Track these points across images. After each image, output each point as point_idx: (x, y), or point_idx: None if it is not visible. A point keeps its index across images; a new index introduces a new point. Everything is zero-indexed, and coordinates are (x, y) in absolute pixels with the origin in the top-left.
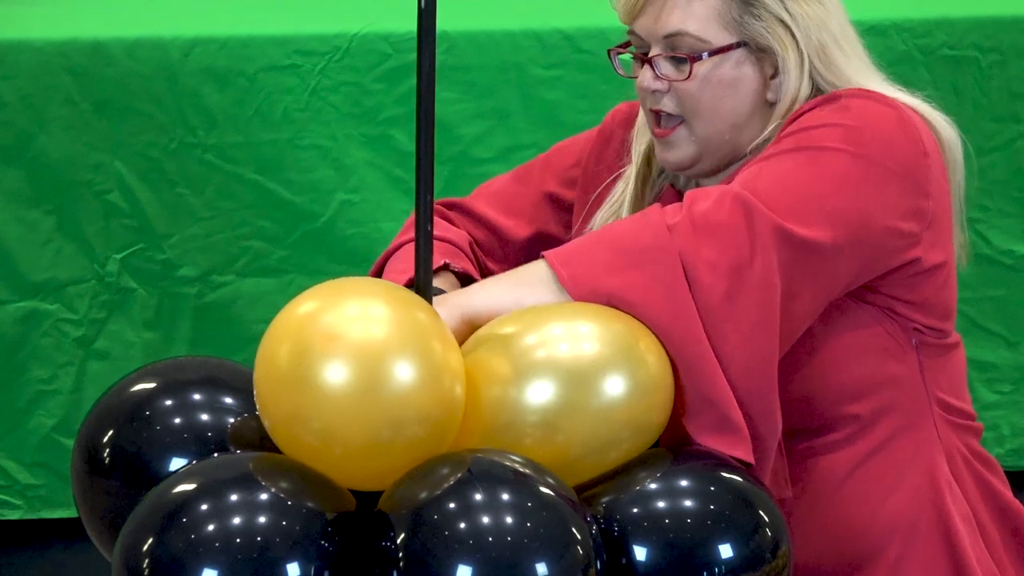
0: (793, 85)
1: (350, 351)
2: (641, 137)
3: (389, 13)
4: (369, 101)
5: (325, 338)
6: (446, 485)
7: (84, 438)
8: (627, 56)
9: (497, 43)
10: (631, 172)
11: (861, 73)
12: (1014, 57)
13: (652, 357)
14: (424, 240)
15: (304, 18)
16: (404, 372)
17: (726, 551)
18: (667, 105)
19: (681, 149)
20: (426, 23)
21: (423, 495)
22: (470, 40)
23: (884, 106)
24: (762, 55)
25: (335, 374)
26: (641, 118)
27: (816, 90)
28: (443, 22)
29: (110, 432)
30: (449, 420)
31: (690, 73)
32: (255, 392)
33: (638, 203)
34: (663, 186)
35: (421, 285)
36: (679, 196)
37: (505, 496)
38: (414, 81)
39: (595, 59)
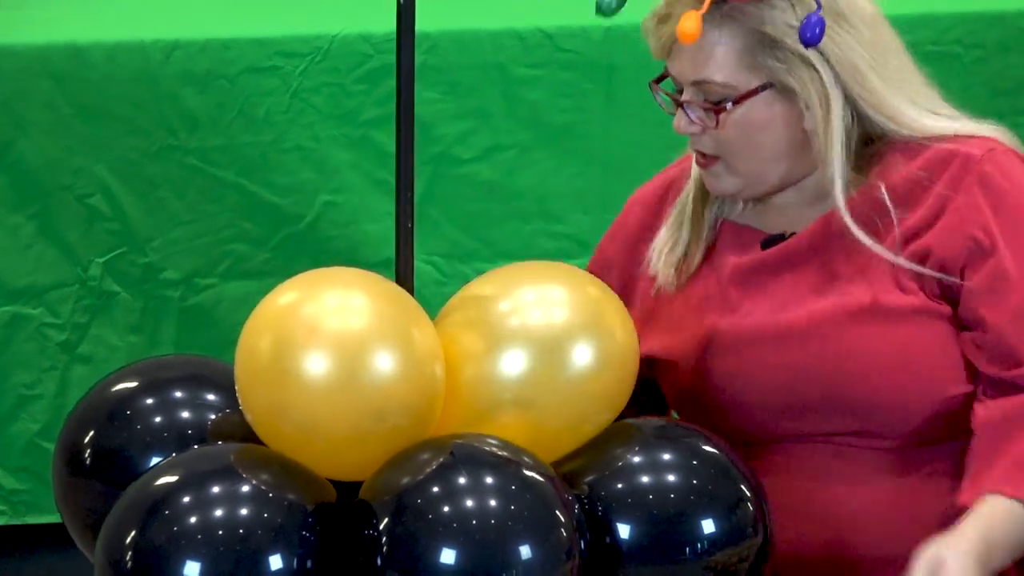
0: (820, 119)
1: (330, 342)
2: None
3: (369, 14)
4: (350, 102)
5: (305, 329)
6: (428, 470)
7: (65, 439)
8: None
9: (479, 42)
10: (688, 190)
11: (908, 96)
12: (997, 53)
13: (619, 328)
14: (404, 238)
15: (284, 20)
16: (384, 362)
17: (709, 526)
18: (705, 145)
19: (724, 180)
20: (405, 22)
21: (404, 481)
22: (452, 40)
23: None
24: (790, 92)
25: (315, 365)
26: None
27: (859, 116)
28: (424, 22)
29: (91, 432)
30: (430, 407)
31: (717, 122)
32: (236, 384)
33: (697, 220)
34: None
35: (401, 280)
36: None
37: (488, 479)
38: (395, 81)
39: (577, 58)
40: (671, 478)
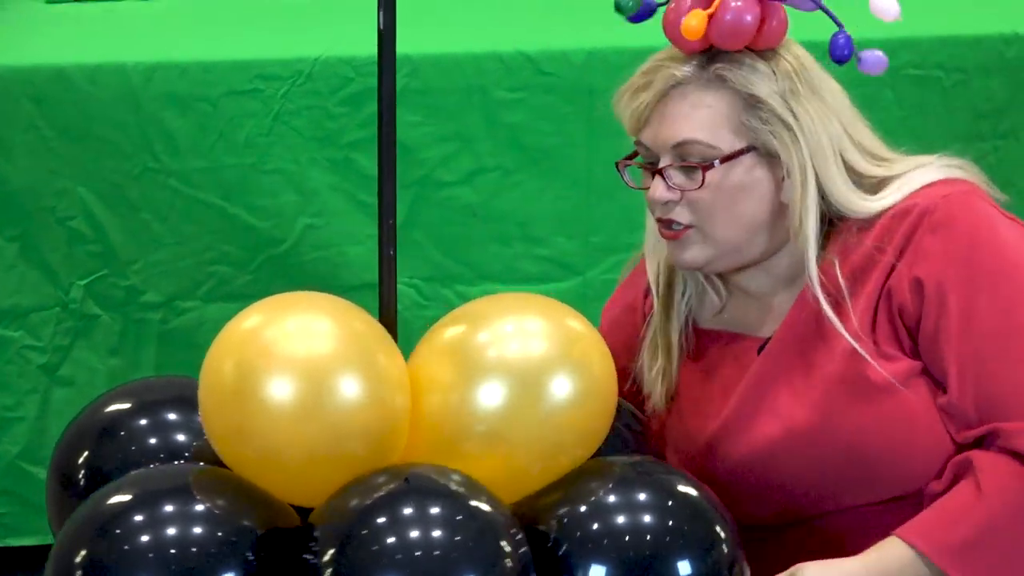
0: (799, 187)
1: (292, 367)
2: (653, 261)
3: (351, 37)
4: (332, 125)
5: (266, 354)
6: (375, 498)
7: (58, 459)
8: (635, 167)
9: (460, 66)
10: (656, 306)
11: (876, 158)
12: (978, 76)
13: (597, 362)
14: (387, 265)
15: (266, 42)
16: (348, 388)
17: (684, 568)
18: (680, 215)
19: (694, 249)
20: (387, 47)
21: (350, 507)
22: (433, 63)
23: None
24: (772, 158)
25: (277, 390)
26: (650, 241)
27: (825, 194)
28: (406, 45)
29: (85, 453)
30: (392, 435)
31: (702, 182)
32: (200, 408)
33: (664, 331)
34: (689, 311)
35: (384, 307)
36: (699, 332)
37: (434, 510)
38: (377, 104)
39: (558, 81)
40: (645, 518)
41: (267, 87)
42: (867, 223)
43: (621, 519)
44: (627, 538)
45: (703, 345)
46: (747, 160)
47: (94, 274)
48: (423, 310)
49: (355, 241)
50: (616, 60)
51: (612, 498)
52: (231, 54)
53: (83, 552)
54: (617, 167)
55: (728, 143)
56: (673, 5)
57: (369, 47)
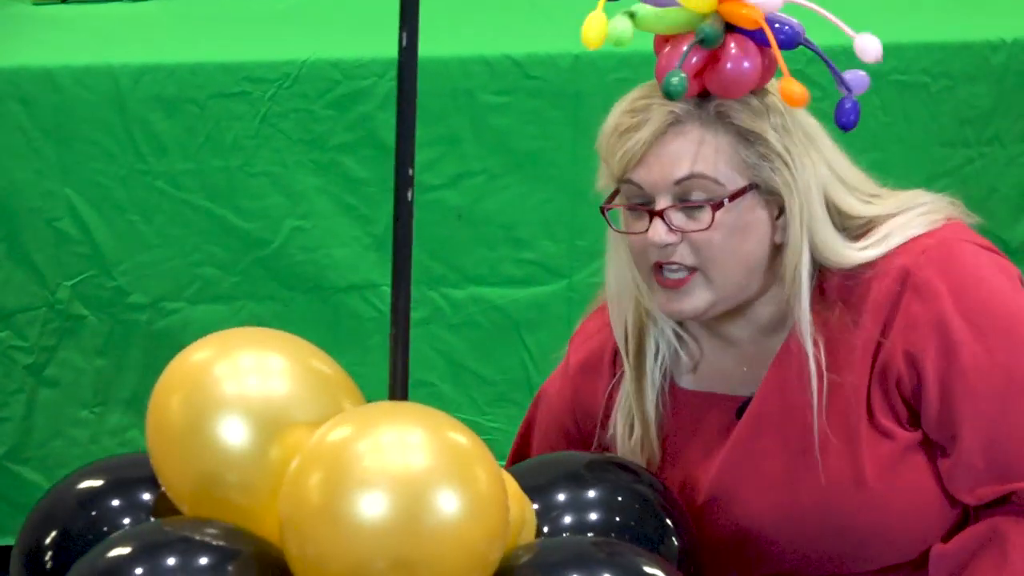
0: (796, 225)
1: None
2: (629, 323)
3: (339, 40)
4: (319, 128)
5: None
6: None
7: (25, 539)
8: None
9: (447, 69)
10: (627, 371)
11: (862, 194)
12: (963, 82)
13: (484, 476)
14: (400, 321)
15: (253, 45)
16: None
17: None
18: (683, 257)
19: (696, 297)
20: (408, 64)
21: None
22: (420, 66)
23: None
24: (770, 196)
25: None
26: (619, 299)
27: (811, 236)
28: (393, 48)
29: (53, 533)
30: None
31: (712, 221)
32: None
33: (638, 399)
34: (664, 373)
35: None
36: (677, 392)
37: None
38: (364, 107)
39: (545, 85)
40: None
41: (254, 89)
42: (848, 280)
43: None
44: None
45: (679, 405)
46: (749, 198)
47: (81, 275)
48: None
49: (341, 243)
50: (603, 64)
51: None
52: (218, 56)
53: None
54: (602, 212)
55: (731, 181)
56: (666, 52)
57: (356, 50)
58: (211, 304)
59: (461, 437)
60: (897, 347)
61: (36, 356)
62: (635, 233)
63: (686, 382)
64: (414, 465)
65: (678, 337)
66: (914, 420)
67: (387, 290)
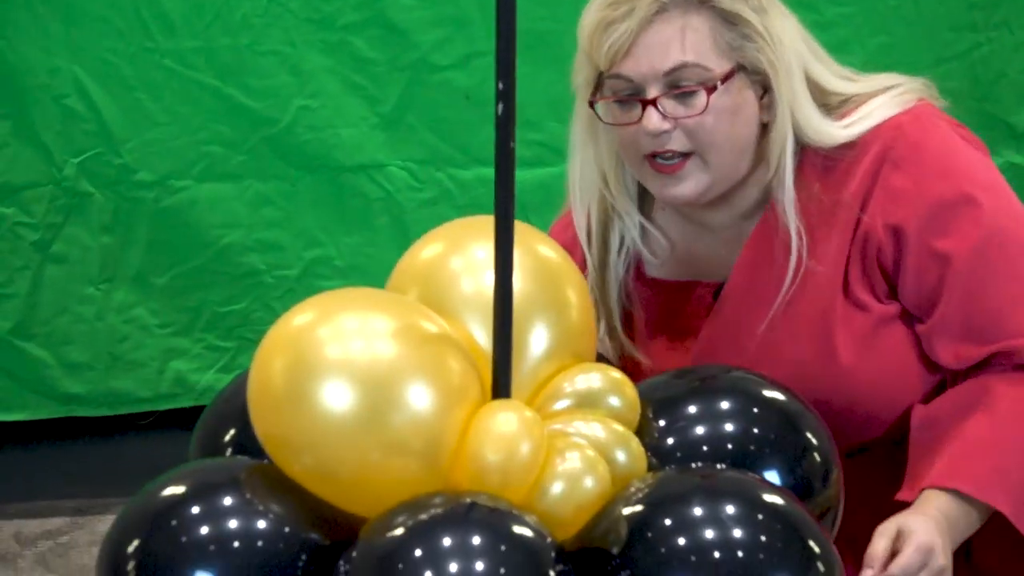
0: (782, 103)
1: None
2: (597, 215)
3: None
4: (328, 7)
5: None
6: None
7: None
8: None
9: None
10: (589, 263)
11: (836, 75)
12: None
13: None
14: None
15: None
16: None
17: None
18: (676, 143)
19: (693, 181)
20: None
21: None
22: None
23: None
24: (755, 76)
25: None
26: (581, 187)
27: (793, 114)
28: None
29: (135, 542)
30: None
31: (707, 106)
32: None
33: (602, 292)
34: (628, 265)
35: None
36: (648, 282)
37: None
38: None
39: None
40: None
41: None
42: (828, 160)
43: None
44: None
45: (655, 294)
46: (737, 80)
47: (88, 152)
48: (417, 193)
49: (348, 123)
50: None
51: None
52: None
53: (136, 542)
54: (591, 106)
55: (718, 64)
56: None
57: None
58: (217, 182)
59: (431, 325)
60: (877, 220)
61: (42, 233)
62: (626, 124)
63: (661, 272)
64: (380, 355)
65: (644, 231)
66: (891, 293)
67: (395, 170)
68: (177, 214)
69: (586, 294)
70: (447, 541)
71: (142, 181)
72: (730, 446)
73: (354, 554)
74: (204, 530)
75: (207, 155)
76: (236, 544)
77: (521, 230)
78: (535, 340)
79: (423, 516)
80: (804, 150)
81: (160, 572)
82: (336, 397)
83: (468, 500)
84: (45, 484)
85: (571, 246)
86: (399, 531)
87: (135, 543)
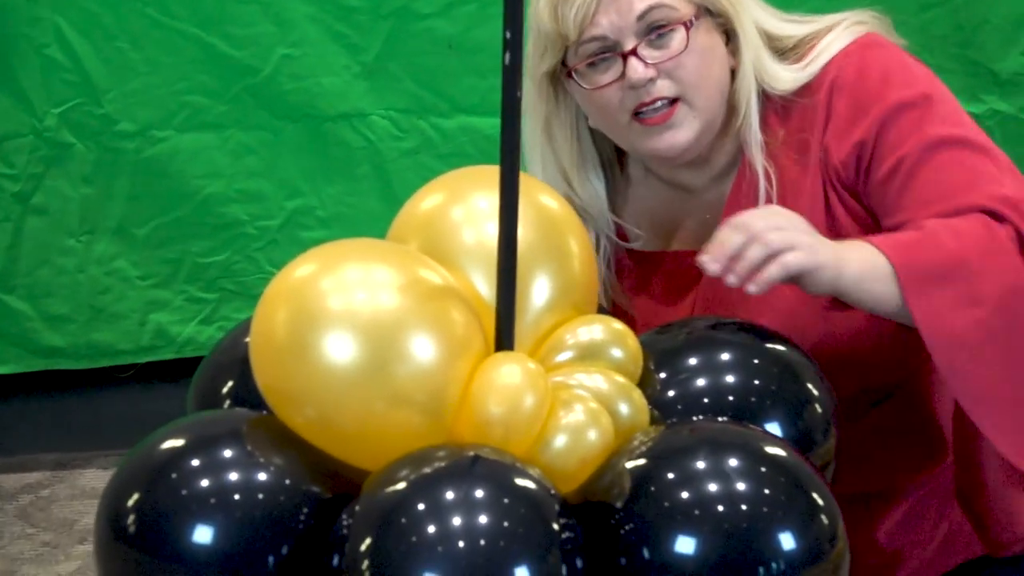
0: (746, 47)
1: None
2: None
3: None
4: None
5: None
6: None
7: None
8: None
9: None
10: None
11: (782, 19)
12: None
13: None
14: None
15: None
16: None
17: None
18: (663, 89)
19: (685, 127)
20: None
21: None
22: None
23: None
24: (719, 20)
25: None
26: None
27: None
28: None
29: (135, 496)
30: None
31: (687, 43)
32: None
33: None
34: (608, 260)
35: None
36: (636, 256)
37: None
38: None
39: None
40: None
41: None
42: (788, 105)
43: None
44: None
45: (642, 271)
46: (705, 23)
47: (69, 102)
48: (399, 142)
49: (331, 72)
50: None
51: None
52: None
53: (136, 496)
54: (571, 75)
55: (683, 6)
56: None
57: None
58: (199, 132)
59: (434, 276)
60: (839, 147)
61: (23, 184)
62: (608, 84)
63: (648, 247)
64: (384, 306)
65: (618, 227)
66: (874, 220)
67: (377, 119)
68: (159, 165)
69: (588, 245)
70: (450, 495)
71: (124, 131)
72: (731, 398)
73: (357, 508)
74: (205, 483)
75: (189, 105)
76: (237, 497)
77: (522, 180)
78: (537, 291)
79: (426, 469)
80: (767, 98)
81: (160, 525)
82: (339, 348)
83: (471, 453)
84: (25, 438)
85: None
86: (401, 485)
87: (135, 496)
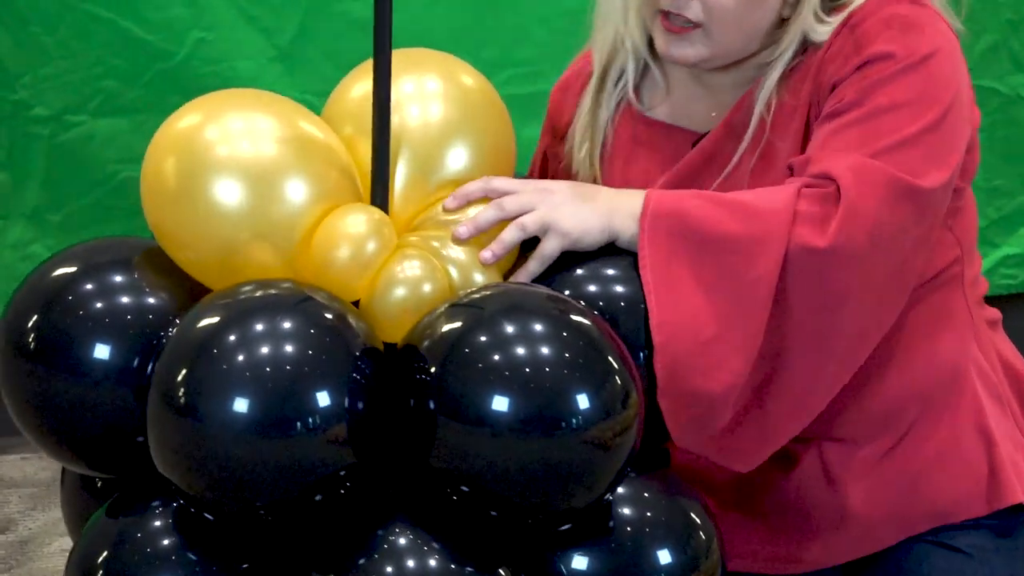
0: (811, 5)
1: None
2: (605, 47)
3: None
4: None
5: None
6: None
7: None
8: None
9: None
10: (590, 85)
11: None
12: None
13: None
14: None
15: None
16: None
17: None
18: (692, 10)
19: (695, 48)
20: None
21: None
22: None
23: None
24: None
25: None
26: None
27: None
28: None
29: (34, 317)
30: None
31: None
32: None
33: (593, 115)
34: (619, 100)
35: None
36: (636, 116)
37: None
38: None
39: None
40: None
41: None
42: (804, 56)
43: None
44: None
45: (639, 132)
46: None
47: None
48: None
49: (245, 55)
50: None
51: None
52: None
53: (35, 318)
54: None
55: None
56: None
57: None
58: (114, 117)
59: (313, 128)
60: (828, 84)
61: None
62: None
63: (654, 113)
64: (264, 153)
65: (646, 69)
66: None
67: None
68: (74, 149)
69: (506, 121)
70: (259, 326)
71: (37, 116)
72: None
73: (171, 330)
74: (98, 305)
75: (103, 90)
76: (128, 318)
77: (444, 59)
78: (451, 162)
79: (229, 301)
80: (805, 46)
81: (56, 340)
82: (226, 193)
83: (299, 289)
84: None
85: (572, 80)
86: (214, 318)
87: (35, 317)
